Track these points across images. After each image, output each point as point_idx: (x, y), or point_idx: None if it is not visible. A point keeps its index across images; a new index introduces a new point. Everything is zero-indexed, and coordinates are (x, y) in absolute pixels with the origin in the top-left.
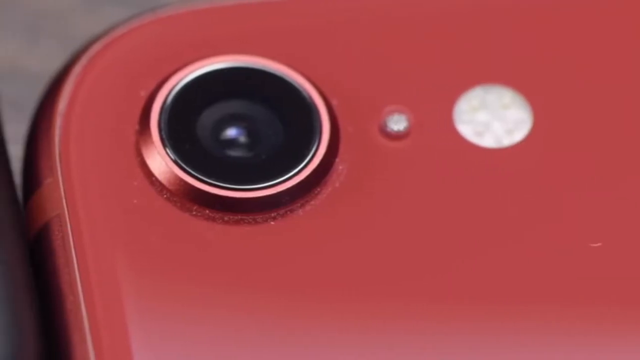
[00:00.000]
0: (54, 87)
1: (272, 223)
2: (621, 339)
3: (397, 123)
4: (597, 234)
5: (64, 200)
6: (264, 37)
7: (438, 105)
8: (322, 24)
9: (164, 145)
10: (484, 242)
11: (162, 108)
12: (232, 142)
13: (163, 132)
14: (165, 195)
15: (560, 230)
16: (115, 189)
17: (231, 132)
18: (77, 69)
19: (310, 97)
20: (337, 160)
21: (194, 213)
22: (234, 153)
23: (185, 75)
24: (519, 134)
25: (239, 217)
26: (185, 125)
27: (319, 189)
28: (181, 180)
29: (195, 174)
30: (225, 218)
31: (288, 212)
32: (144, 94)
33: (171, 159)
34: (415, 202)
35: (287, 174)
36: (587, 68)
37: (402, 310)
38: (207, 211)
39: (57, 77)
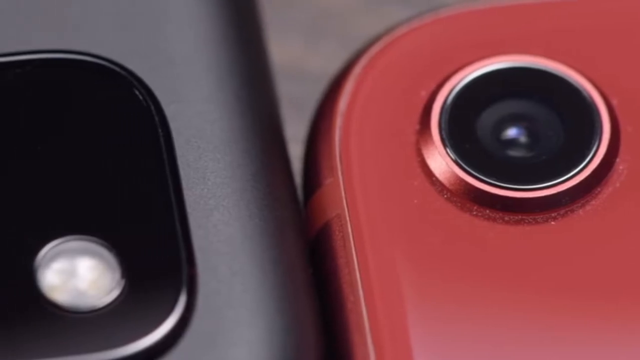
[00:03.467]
0: (335, 87)
1: (552, 223)
2: None
3: None
4: None
5: (344, 200)
6: (543, 37)
7: None
8: (601, 24)
9: (445, 145)
10: None
11: (442, 108)
12: (512, 142)
13: (444, 132)
14: (445, 196)
15: None
16: (395, 189)
17: (512, 132)
18: (357, 69)
19: (591, 97)
20: (617, 160)
21: (474, 213)
22: (514, 153)
23: (466, 75)
24: None
25: (520, 217)
26: (465, 125)
27: (599, 189)
28: (462, 180)
29: (476, 174)
30: (506, 218)
31: (568, 212)
32: (424, 93)
33: (452, 159)
34: None
35: (567, 173)
36: None
37: None
38: (488, 211)
39: (337, 76)
